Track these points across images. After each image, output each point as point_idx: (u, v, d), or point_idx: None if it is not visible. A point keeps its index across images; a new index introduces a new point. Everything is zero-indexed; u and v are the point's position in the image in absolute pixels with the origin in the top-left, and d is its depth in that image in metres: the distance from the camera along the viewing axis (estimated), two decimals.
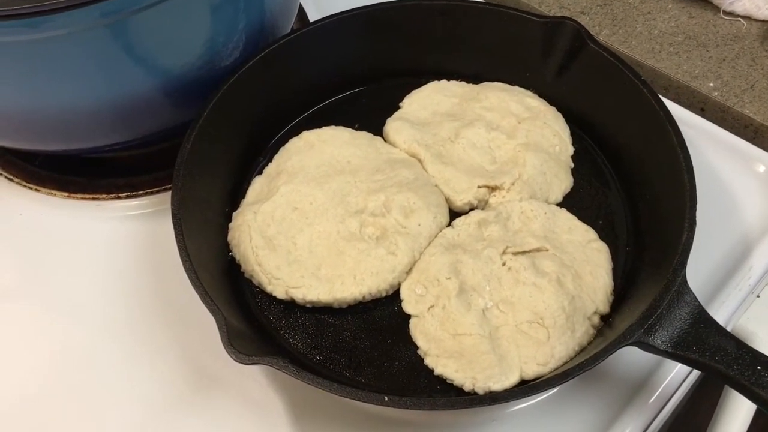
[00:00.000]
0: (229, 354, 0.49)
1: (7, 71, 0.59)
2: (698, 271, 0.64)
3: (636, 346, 0.53)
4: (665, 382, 0.60)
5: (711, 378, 0.53)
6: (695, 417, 0.74)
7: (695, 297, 0.54)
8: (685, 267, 0.55)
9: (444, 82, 0.77)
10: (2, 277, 0.71)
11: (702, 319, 0.53)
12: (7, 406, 0.62)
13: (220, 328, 0.51)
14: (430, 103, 0.75)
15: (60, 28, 0.55)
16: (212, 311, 0.52)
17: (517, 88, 0.76)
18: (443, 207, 0.67)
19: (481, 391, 0.56)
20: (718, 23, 0.86)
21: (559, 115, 0.73)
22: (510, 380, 0.56)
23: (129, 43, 0.60)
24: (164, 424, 0.60)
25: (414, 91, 0.77)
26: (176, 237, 0.58)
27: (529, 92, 0.75)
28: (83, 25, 0.56)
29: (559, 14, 0.82)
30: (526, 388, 0.52)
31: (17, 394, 0.63)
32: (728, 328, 0.60)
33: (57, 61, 0.58)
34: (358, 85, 0.79)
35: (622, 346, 0.52)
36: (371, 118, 0.75)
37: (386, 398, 0.50)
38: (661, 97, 0.66)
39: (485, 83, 0.77)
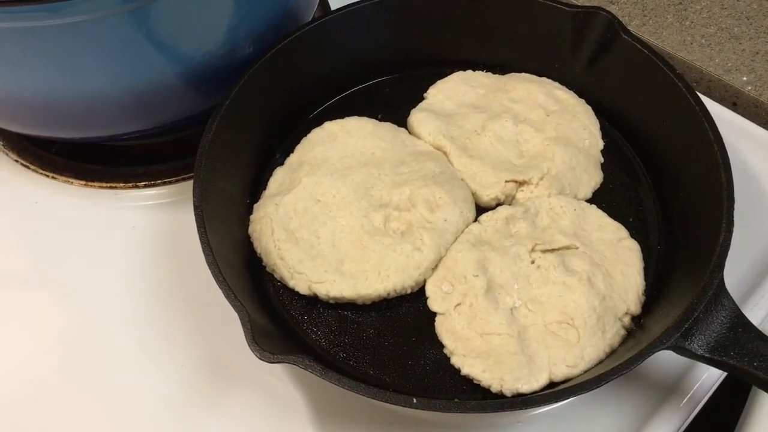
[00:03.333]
0: (253, 352, 0.48)
1: (27, 57, 0.57)
2: (731, 271, 0.62)
3: (672, 350, 0.51)
4: (697, 385, 0.58)
5: (748, 383, 0.52)
6: (714, 417, 0.73)
7: (733, 300, 0.53)
8: (723, 269, 0.53)
9: (470, 72, 0.75)
10: (18, 265, 0.70)
11: (740, 323, 0.52)
12: (22, 395, 0.61)
13: (244, 326, 0.49)
14: (456, 93, 0.74)
15: (81, 14, 0.54)
16: (236, 308, 0.51)
17: (545, 79, 0.74)
18: (470, 202, 0.65)
19: (509, 393, 0.54)
20: (752, 15, 0.83)
21: (589, 108, 0.71)
22: (539, 382, 0.55)
23: (150, 29, 0.59)
24: (183, 420, 0.59)
25: (439, 82, 0.75)
26: (198, 231, 0.56)
27: (557, 84, 0.73)
28: (105, 10, 0.54)
29: (589, 4, 0.79)
30: (559, 391, 0.51)
31: (32, 382, 0.62)
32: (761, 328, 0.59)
33: (78, 48, 0.57)
34: (381, 74, 0.77)
35: (658, 350, 0.50)
36: (395, 108, 0.73)
37: (415, 400, 0.49)
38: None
39: (512, 74, 0.75)
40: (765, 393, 0.52)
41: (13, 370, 0.63)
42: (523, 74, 0.75)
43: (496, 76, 0.75)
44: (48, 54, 0.57)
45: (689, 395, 0.58)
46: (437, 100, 0.73)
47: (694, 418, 0.62)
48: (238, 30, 0.66)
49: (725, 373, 0.60)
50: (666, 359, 0.56)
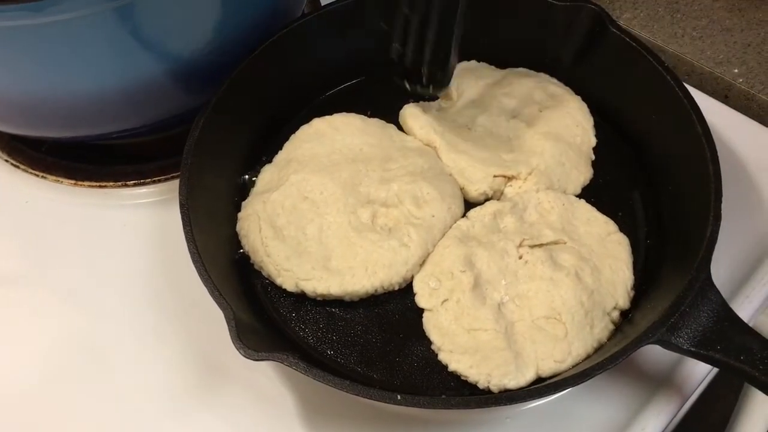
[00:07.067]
0: (237, 350, 0.48)
1: (13, 56, 0.57)
2: (721, 265, 0.62)
3: (658, 344, 0.51)
4: (686, 380, 0.58)
5: (735, 377, 0.52)
6: (709, 410, 0.73)
7: (720, 294, 0.52)
8: (710, 263, 0.53)
9: (473, 62, 0.75)
10: (8, 265, 0.70)
11: (727, 317, 0.51)
12: (12, 394, 0.61)
13: (228, 324, 0.50)
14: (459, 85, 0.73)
15: (66, 12, 0.53)
16: (221, 306, 0.51)
17: (542, 74, 0.73)
18: (458, 197, 0.65)
19: (496, 389, 0.54)
20: (744, 7, 0.83)
21: (584, 105, 0.71)
22: (526, 378, 0.54)
23: (136, 27, 0.59)
24: (171, 418, 0.59)
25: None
26: (184, 228, 0.56)
27: (554, 80, 0.73)
28: (90, 8, 0.54)
29: None
30: (543, 387, 0.51)
31: (22, 381, 0.62)
32: (750, 324, 0.59)
33: (64, 46, 0.57)
34: (371, 71, 0.76)
35: (644, 345, 0.50)
36: (384, 105, 0.73)
37: (399, 397, 0.49)
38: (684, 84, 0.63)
39: (510, 68, 0.74)
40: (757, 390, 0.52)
41: (4, 368, 0.63)
42: (521, 69, 0.74)
43: (496, 69, 0.75)
44: (34, 53, 0.57)
45: (680, 389, 0.58)
46: None
47: (689, 410, 0.61)
48: (225, 27, 0.65)
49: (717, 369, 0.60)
50: (656, 353, 0.56)
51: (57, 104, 0.64)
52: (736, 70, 0.77)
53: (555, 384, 0.50)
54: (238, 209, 0.66)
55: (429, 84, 0.67)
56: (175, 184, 0.72)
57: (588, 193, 0.66)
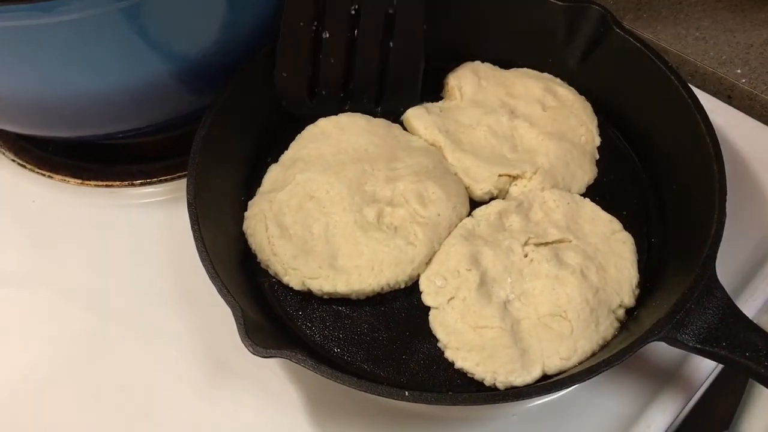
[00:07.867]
0: (246, 347, 0.49)
1: (19, 56, 0.57)
2: (725, 263, 0.62)
3: (664, 341, 0.51)
4: (691, 377, 0.58)
5: (741, 373, 0.52)
6: (714, 406, 0.73)
7: (725, 291, 0.53)
8: (715, 260, 0.54)
9: (477, 63, 0.75)
10: (15, 265, 0.70)
11: (732, 314, 0.52)
12: (19, 393, 0.61)
13: (237, 321, 0.50)
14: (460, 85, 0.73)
15: (73, 12, 0.54)
16: (229, 304, 0.51)
17: (546, 75, 0.74)
18: (463, 196, 0.65)
19: (502, 386, 0.55)
20: (746, 8, 0.83)
21: (588, 105, 0.71)
22: (532, 375, 0.55)
23: (144, 27, 0.59)
24: (178, 416, 0.60)
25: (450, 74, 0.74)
26: (192, 227, 0.57)
27: (558, 80, 0.73)
28: (98, 8, 0.55)
29: None
30: (549, 384, 0.51)
31: (29, 380, 0.62)
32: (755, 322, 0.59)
33: (71, 47, 0.57)
34: None
35: (650, 342, 0.50)
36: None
37: (407, 393, 0.49)
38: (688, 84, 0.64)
39: (514, 69, 0.75)
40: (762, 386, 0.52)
41: (9, 367, 0.63)
42: (525, 69, 0.75)
43: (500, 69, 0.75)
44: (40, 53, 0.57)
45: (686, 385, 0.58)
46: None
47: (695, 407, 0.62)
48: (231, 27, 0.66)
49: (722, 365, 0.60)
50: (662, 350, 0.56)
51: (63, 104, 0.64)
52: (739, 71, 0.78)
53: (561, 381, 0.51)
54: (244, 208, 0.66)
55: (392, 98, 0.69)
56: (181, 183, 0.73)
57: (592, 192, 0.67)
